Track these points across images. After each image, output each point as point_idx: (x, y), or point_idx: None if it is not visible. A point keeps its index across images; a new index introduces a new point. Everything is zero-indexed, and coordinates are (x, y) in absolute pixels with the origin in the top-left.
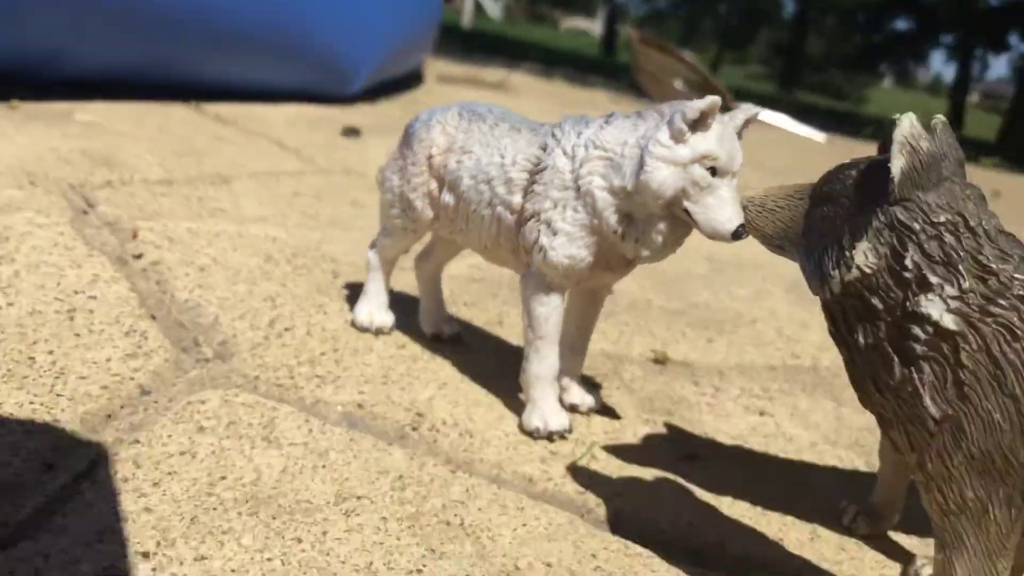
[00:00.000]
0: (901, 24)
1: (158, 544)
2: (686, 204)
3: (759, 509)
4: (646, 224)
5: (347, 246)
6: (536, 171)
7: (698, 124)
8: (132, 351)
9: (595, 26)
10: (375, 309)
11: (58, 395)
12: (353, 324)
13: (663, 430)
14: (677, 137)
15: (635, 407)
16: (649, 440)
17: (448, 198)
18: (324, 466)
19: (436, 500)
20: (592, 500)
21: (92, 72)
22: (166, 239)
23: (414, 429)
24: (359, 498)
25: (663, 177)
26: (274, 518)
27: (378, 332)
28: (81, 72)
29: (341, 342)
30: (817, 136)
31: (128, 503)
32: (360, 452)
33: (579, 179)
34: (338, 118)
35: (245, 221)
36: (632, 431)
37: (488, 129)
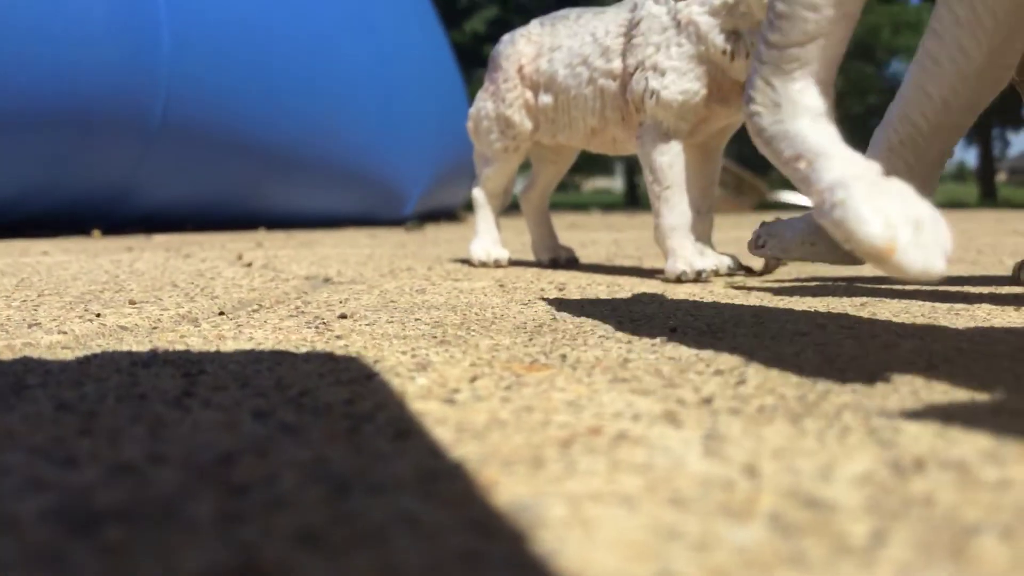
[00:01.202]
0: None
1: None
2: None
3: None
4: (754, 37)
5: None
6: (631, 29)
7: None
8: None
9: (616, 182)
10: (489, 245)
11: None
12: (471, 262)
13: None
14: None
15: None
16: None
17: (546, 99)
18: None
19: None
20: None
21: (162, 207)
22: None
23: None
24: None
25: None
26: None
27: (496, 264)
28: (152, 207)
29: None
30: None
31: None
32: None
33: (677, 14)
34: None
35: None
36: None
37: (572, 22)
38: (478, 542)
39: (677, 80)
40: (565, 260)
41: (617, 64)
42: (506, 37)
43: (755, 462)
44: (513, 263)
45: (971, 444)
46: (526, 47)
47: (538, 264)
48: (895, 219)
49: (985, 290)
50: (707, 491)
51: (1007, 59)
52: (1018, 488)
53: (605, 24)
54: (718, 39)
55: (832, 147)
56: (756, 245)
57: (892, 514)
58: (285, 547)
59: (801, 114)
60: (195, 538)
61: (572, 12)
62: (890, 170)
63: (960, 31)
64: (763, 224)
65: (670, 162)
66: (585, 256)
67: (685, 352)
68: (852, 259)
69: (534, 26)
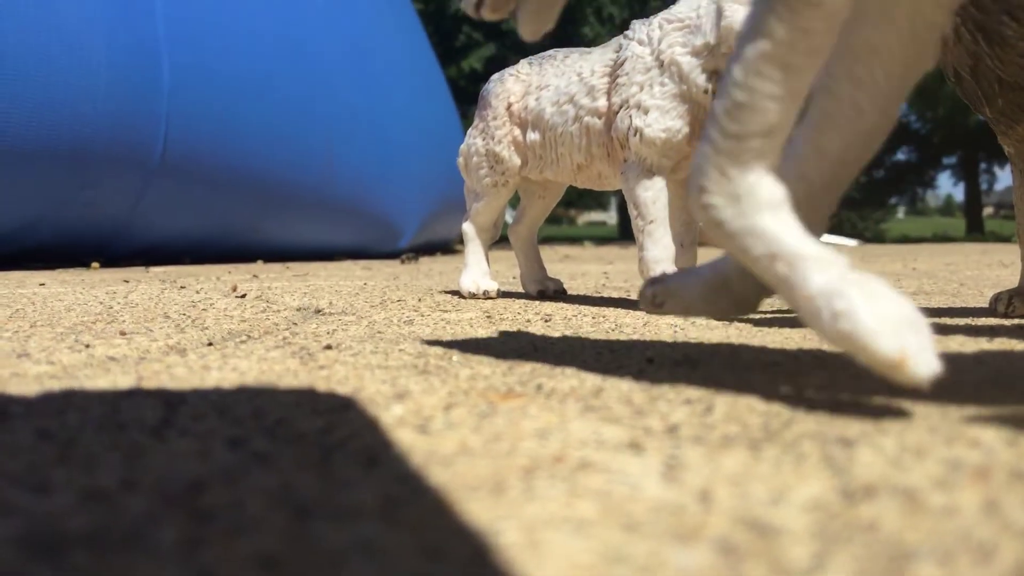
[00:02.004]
0: (902, 155)
1: None
2: None
3: None
4: None
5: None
6: (616, 68)
7: None
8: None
9: (611, 215)
10: (478, 277)
11: None
12: (460, 294)
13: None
14: None
15: None
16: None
17: (533, 136)
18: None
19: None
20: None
21: (161, 241)
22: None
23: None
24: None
25: (741, 17)
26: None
27: (485, 296)
28: (151, 241)
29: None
30: (849, 242)
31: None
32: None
33: (660, 55)
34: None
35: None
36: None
37: (560, 62)
38: (430, 566)
39: (660, 118)
40: (553, 291)
41: (602, 102)
42: (495, 76)
43: (710, 488)
44: (503, 295)
45: (922, 471)
46: (515, 85)
47: (527, 296)
48: (898, 326)
49: (962, 321)
50: (659, 516)
51: (893, 112)
52: (962, 515)
53: (591, 64)
54: (700, 78)
55: (806, 246)
56: (653, 303)
57: (836, 538)
58: (243, 571)
59: (764, 208)
60: (157, 562)
61: (559, 52)
62: None
63: (857, 91)
64: (652, 281)
65: (654, 197)
66: (574, 288)
67: (659, 382)
68: (752, 310)
69: (523, 65)
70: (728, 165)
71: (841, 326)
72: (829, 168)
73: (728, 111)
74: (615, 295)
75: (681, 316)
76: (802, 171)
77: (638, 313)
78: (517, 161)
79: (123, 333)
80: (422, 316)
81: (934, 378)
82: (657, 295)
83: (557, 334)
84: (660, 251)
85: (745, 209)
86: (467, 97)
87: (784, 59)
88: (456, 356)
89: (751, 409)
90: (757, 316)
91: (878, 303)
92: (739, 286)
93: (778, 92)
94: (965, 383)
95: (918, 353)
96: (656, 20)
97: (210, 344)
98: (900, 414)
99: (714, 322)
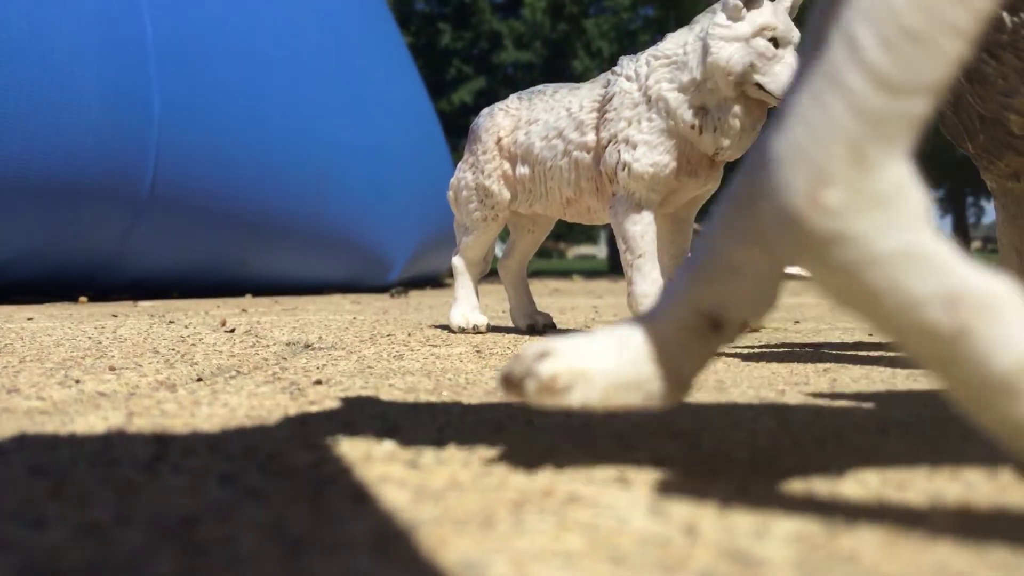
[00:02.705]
0: None
1: None
2: (756, 78)
3: None
4: (721, 111)
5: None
6: (604, 104)
7: (750, 2)
8: None
9: (600, 249)
10: (468, 311)
11: None
12: (450, 328)
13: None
14: (734, 16)
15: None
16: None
17: (523, 170)
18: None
19: None
20: None
21: (150, 274)
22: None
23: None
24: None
25: (729, 53)
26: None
27: (474, 330)
28: (139, 274)
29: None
30: None
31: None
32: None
33: (648, 91)
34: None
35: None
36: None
37: (549, 97)
38: None
39: (648, 153)
40: (543, 326)
41: (591, 137)
42: (485, 110)
43: (695, 521)
44: (492, 329)
45: (904, 506)
46: (504, 120)
47: (516, 330)
48: None
49: None
50: (645, 548)
51: None
52: (940, 547)
53: (580, 99)
54: (687, 114)
55: (1000, 287)
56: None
57: (817, 569)
58: None
59: (922, 221)
60: None
61: (549, 87)
62: None
63: None
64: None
65: (642, 232)
66: (564, 322)
67: (647, 417)
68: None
69: (512, 100)
70: (872, 142)
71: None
72: None
73: (889, 43)
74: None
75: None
76: None
77: None
78: (507, 195)
79: (112, 368)
80: (412, 351)
81: None
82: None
83: None
84: (648, 285)
85: (896, 220)
86: (457, 130)
87: None
88: (446, 391)
89: (738, 444)
90: (745, 351)
91: None
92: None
93: (967, 22)
94: (947, 418)
95: None
96: (644, 56)
97: (200, 380)
98: (883, 449)
99: None
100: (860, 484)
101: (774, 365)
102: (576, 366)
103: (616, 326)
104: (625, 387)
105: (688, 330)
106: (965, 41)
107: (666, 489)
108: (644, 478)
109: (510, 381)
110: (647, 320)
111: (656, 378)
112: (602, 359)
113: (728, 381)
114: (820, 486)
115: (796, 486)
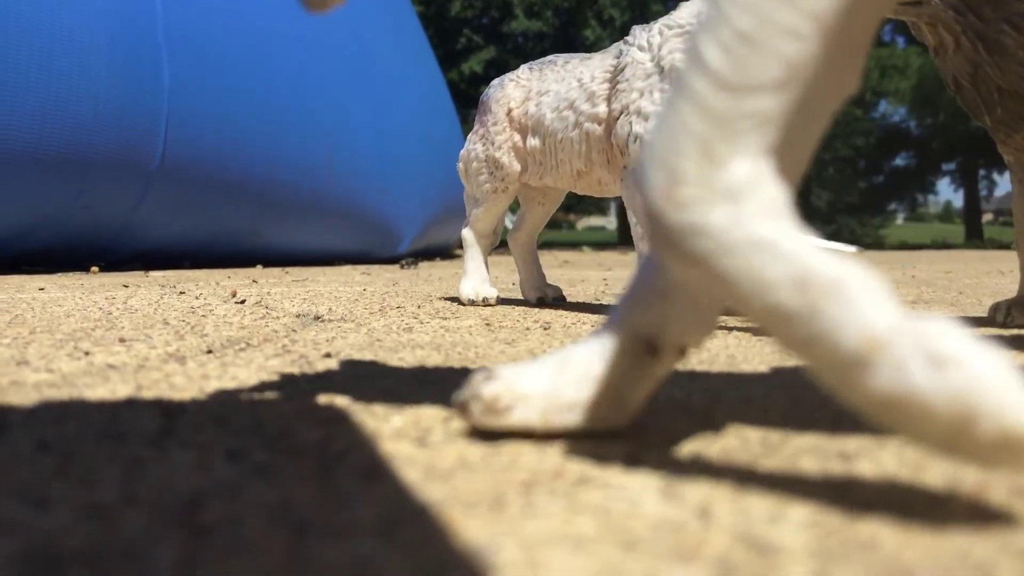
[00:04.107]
0: (901, 161)
1: None
2: None
3: None
4: None
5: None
6: (616, 74)
7: None
8: None
9: (610, 220)
10: (478, 284)
11: None
12: (460, 300)
13: None
14: None
15: None
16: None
17: (533, 141)
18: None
19: None
20: None
21: (160, 245)
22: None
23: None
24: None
25: None
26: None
27: (484, 303)
28: (150, 245)
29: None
30: (848, 248)
31: None
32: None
33: (660, 60)
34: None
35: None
36: None
37: (560, 68)
38: None
39: None
40: (552, 298)
41: (602, 109)
42: (495, 81)
43: (709, 504)
44: (502, 301)
45: (921, 490)
46: (515, 91)
47: (526, 303)
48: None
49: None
50: (658, 533)
51: None
52: (960, 534)
53: (591, 70)
54: None
55: (847, 270)
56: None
57: (834, 556)
58: None
59: (773, 213)
60: None
61: (560, 58)
62: None
63: None
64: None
65: None
66: (573, 294)
67: (658, 394)
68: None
69: (523, 71)
70: (718, 140)
71: (941, 382)
72: None
73: (725, 47)
74: (614, 302)
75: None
76: None
77: None
78: (517, 167)
79: (122, 340)
80: (421, 323)
81: None
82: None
83: (556, 342)
84: None
85: (748, 211)
86: (467, 100)
87: None
88: (455, 366)
89: (750, 422)
90: (755, 324)
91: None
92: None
93: (800, 24)
94: None
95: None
96: (656, 26)
97: (209, 352)
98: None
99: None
100: (876, 466)
101: None
102: (517, 388)
103: (564, 348)
104: (564, 408)
105: (626, 354)
106: (805, 41)
107: (678, 470)
108: (656, 458)
109: (458, 403)
110: (591, 342)
111: (596, 401)
112: (543, 381)
113: (739, 356)
114: (835, 467)
115: (810, 467)
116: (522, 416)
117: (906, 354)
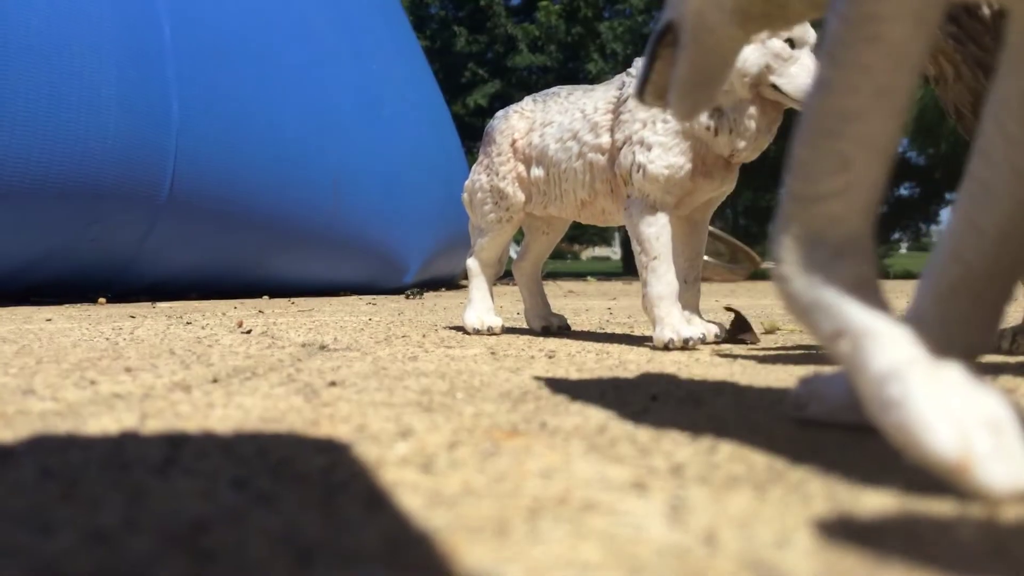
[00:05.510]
0: (904, 191)
1: None
2: (772, 79)
3: None
4: (736, 113)
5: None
6: (618, 105)
7: None
8: None
9: (615, 250)
10: (482, 313)
11: None
12: (465, 329)
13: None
14: None
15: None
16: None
17: (537, 172)
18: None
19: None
20: None
21: (167, 276)
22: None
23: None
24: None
25: (745, 55)
26: None
27: (489, 332)
28: (157, 276)
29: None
30: None
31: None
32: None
33: None
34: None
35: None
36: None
37: (563, 99)
38: None
39: (663, 155)
40: (557, 327)
41: (606, 139)
42: (500, 112)
43: (715, 530)
44: (507, 330)
45: (929, 514)
46: (519, 122)
47: (531, 332)
48: (967, 422)
49: None
50: (664, 559)
51: None
52: (969, 561)
53: (594, 101)
54: (702, 115)
55: (878, 323)
56: (796, 406)
57: None
58: None
59: (839, 281)
60: None
61: (563, 89)
62: (942, 322)
63: (1014, 150)
64: (803, 381)
65: (657, 233)
66: (578, 323)
67: (663, 420)
68: None
69: (527, 102)
70: (799, 231)
71: (893, 416)
72: (990, 248)
73: (795, 172)
74: (619, 331)
75: (825, 420)
76: (957, 250)
77: (642, 349)
78: (521, 197)
79: (128, 369)
80: (426, 352)
81: (1016, 492)
82: (801, 395)
83: (561, 371)
84: (663, 287)
85: (816, 281)
86: (472, 133)
87: (844, 106)
88: (460, 393)
89: (757, 449)
90: (761, 353)
91: (945, 393)
92: None
93: (845, 146)
94: None
95: (991, 459)
96: None
97: (215, 381)
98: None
99: (718, 359)
100: (883, 491)
101: (791, 367)
102: (816, 392)
103: None
104: (848, 414)
105: None
106: (854, 157)
107: (684, 496)
108: (661, 484)
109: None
110: None
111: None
112: (836, 391)
113: (745, 384)
114: (842, 493)
115: (817, 493)
116: (813, 413)
117: (875, 389)
